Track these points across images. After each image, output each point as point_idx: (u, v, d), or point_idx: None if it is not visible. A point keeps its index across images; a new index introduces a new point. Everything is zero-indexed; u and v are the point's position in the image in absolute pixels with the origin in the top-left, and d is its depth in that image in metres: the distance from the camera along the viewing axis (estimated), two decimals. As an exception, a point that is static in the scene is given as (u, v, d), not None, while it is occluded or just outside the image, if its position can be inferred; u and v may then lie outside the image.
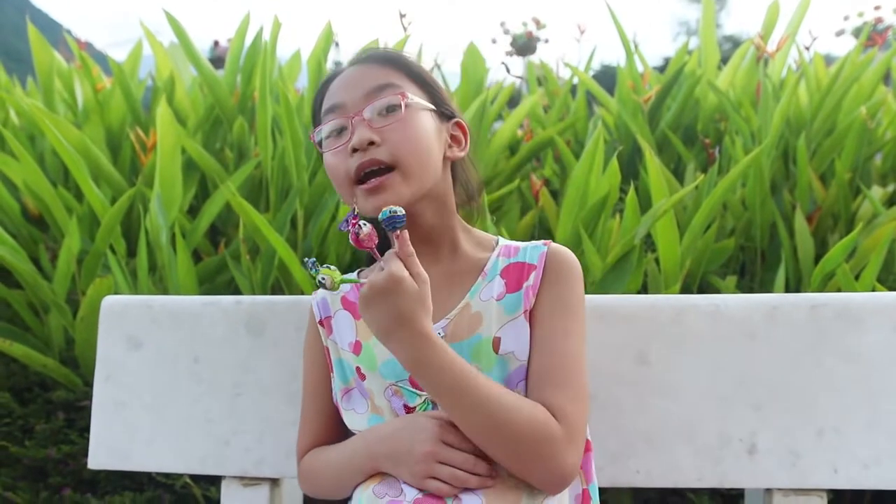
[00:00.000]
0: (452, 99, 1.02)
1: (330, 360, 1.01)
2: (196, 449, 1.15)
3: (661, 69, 2.75)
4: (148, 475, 1.69)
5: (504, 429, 0.82)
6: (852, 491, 1.62)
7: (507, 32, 4.79)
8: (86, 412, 1.70)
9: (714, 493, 1.62)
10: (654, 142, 2.14)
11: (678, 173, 2.15)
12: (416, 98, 0.94)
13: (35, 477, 1.71)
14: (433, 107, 0.96)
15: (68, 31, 2.61)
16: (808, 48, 2.31)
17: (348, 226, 0.84)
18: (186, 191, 1.94)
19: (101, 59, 2.56)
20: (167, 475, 1.66)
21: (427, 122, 0.95)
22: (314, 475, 1.01)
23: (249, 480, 1.15)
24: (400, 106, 0.92)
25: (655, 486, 1.11)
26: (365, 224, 0.83)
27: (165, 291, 1.71)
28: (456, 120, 1.00)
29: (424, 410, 0.92)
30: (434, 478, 0.85)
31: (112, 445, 1.17)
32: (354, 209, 0.87)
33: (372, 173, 0.91)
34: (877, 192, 1.96)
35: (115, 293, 1.63)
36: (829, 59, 2.45)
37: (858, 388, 1.06)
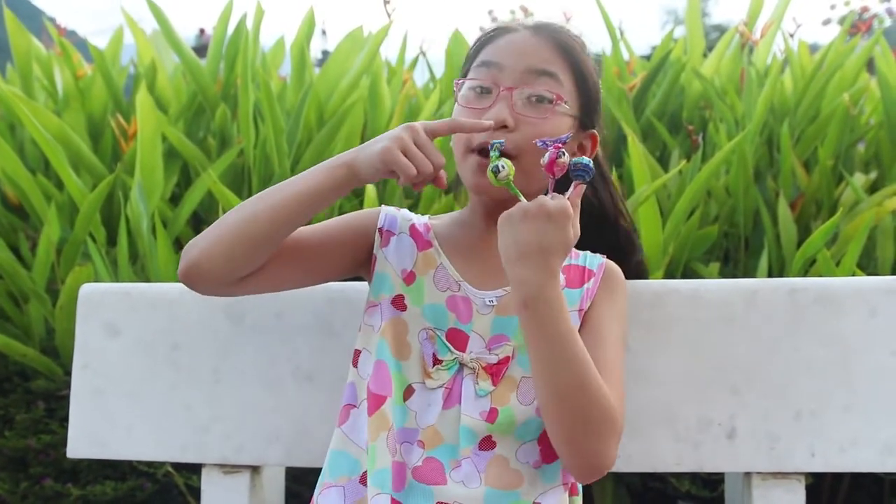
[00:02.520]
0: (600, 108, 1.00)
1: (373, 269, 0.98)
2: (175, 437, 1.15)
3: (649, 58, 2.74)
4: (129, 464, 1.68)
5: (585, 394, 0.82)
6: (832, 474, 1.63)
7: (494, 20, 4.76)
8: (66, 402, 1.69)
9: (694, 477, 1.63)
10: (639, 129, 2.13)
11: (663, 160, 2.15)
12: (567, 103, 0.93)
13: (15, 467, 1.70)
14: (578, 114, 0.96)
15: (51, 19, 2.58)
16: (792, 35, 2.31)
17: (550, 147, 0.85)
18: (168, 179, 1.92)
19: (83, 47, 2.53)
20: (149, 464, 1.65)
21: (565, 128, 0.94)
22: (243, 205, 0.92)
23: (230, 468, 1.15)
24: (550, 103, 0.92)
25: (636, 471, 1.12)
26: (565, 154, 0.85)
27: (146, 280, 1.69)
28: (591, 132, 0.99)
29: (449, 370, 0.92)
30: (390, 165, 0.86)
31: (91, 434, 1.16)
32: (567, 136, 0.88)
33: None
34: (859, 179, 1.96)
35: (96, 282, 1.61)
36: (815, 49, 2.45)
37: (836, 371, 1.07)
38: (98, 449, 1.16)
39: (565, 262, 0.96)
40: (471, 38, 1.35)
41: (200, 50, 3.67)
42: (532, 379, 0.86)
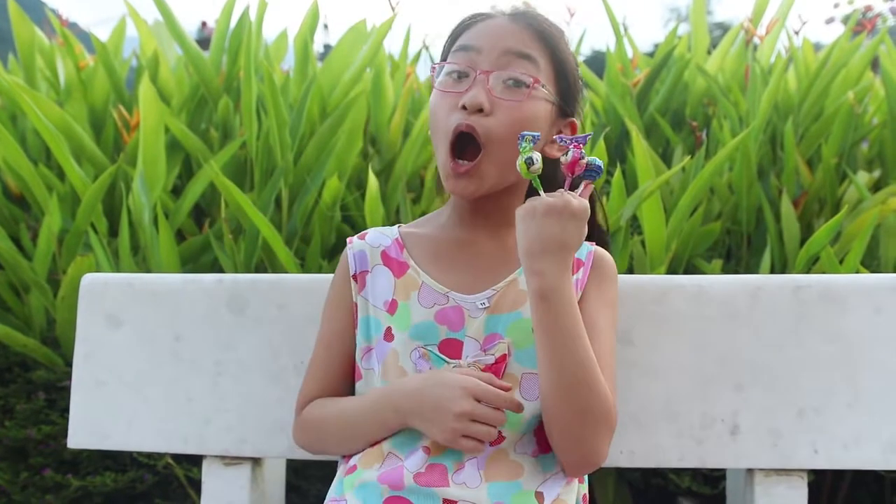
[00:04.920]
0: (582, 97, 0.99)
1: (356, 317, 0.98)
2: (177, 428, 1.15)
3: (652, 55, 2.73)
4: (129, 455, 1.68)
5: (590, 390, 0.83)
6: (833, 471, 1.63)
7: (497, 16, 4.74)
8: (67, 392, 1.69)
9: (695, 473, 1.62)
10: (643, 125, 2.13)
11: (666, 157, 2.14)
12: (545, 87, 0.92)
13: (15, 457, 1.70)
14: (557, 101, 0.94)
15: (53, 10, 2.57)
16: (797, 33, 2.30)
17: (571, 144, 0.85)
18: (170, 170, 1.91)
19: (86, 38, 2.51)
20: (149, 455, 1.65)
21: (543, 113, 0.92)
22: (321, 424, 0.96)
23: (231, 460, 1.15)
24: (527, 87, 0.90)
25: (638, 467, 1.11)
26: (584, 154, 0.85)
27: (148, 271, 1.69)
28: (571, 119, 0.98)
29: None
30: (466, 436, 0.84)
31: (92, 425, 1.16)
32: (589, 135, 0.88)
33: (464, 151, 0.90)
34: (863, 178, 1.96)
35: (97, 272, 1.61)
36: (818, 48, 2.45)
37: (839, 368, 1.06)
38: (99, 440, 1.16)
39: None
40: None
41: (203, 43, 3.66)
42: (538, 372, 0.86)
